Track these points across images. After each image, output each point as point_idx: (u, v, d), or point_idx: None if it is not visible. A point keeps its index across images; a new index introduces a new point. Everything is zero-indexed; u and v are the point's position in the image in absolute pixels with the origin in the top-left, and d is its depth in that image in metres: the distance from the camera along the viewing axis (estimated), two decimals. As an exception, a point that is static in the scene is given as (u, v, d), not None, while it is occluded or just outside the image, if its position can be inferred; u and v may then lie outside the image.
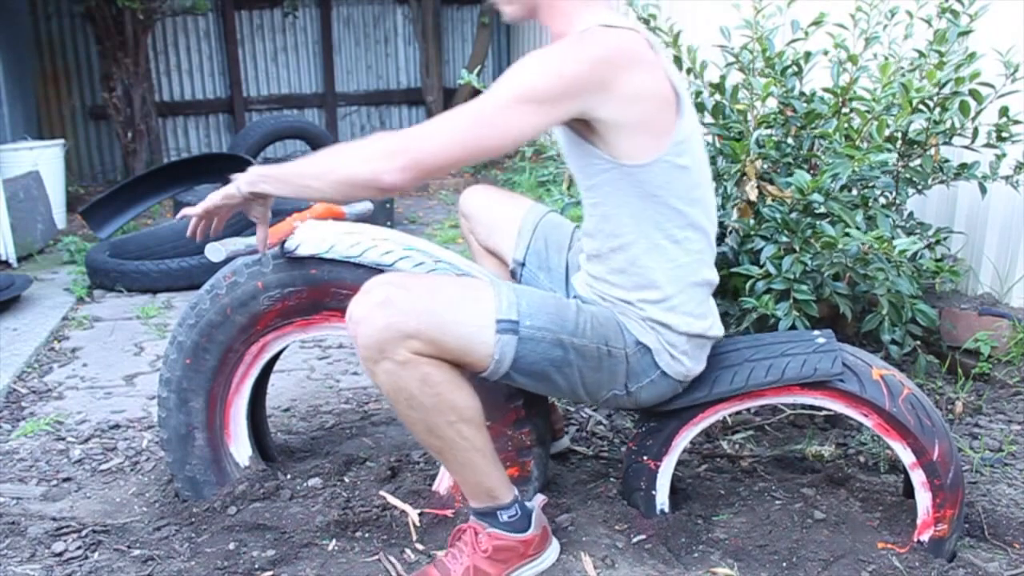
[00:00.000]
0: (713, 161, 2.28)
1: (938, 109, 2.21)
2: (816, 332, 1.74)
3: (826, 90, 2.18)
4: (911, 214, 2.54)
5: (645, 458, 1.76)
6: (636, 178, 1.50)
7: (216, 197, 1.62)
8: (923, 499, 1.66)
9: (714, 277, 1.65)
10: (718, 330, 1.66)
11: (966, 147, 2.28)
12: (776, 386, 1.66)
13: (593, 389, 1.60)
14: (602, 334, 1.57)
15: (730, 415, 2.17)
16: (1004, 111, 2.22)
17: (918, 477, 1.65)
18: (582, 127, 1.50)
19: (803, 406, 2.27)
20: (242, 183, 1.58)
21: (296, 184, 1.50)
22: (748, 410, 2.31)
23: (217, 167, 4.71)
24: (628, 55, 1.44)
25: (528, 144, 4.44)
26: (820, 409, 2.30)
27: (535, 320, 1.51)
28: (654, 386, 1.63)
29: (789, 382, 1.65)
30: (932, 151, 2.26)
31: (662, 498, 1.78)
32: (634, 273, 1.57)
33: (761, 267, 2.04)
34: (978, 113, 2.21)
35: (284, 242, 1.77)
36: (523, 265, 1.94)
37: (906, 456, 1.65)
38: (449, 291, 1.51)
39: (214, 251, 1.64)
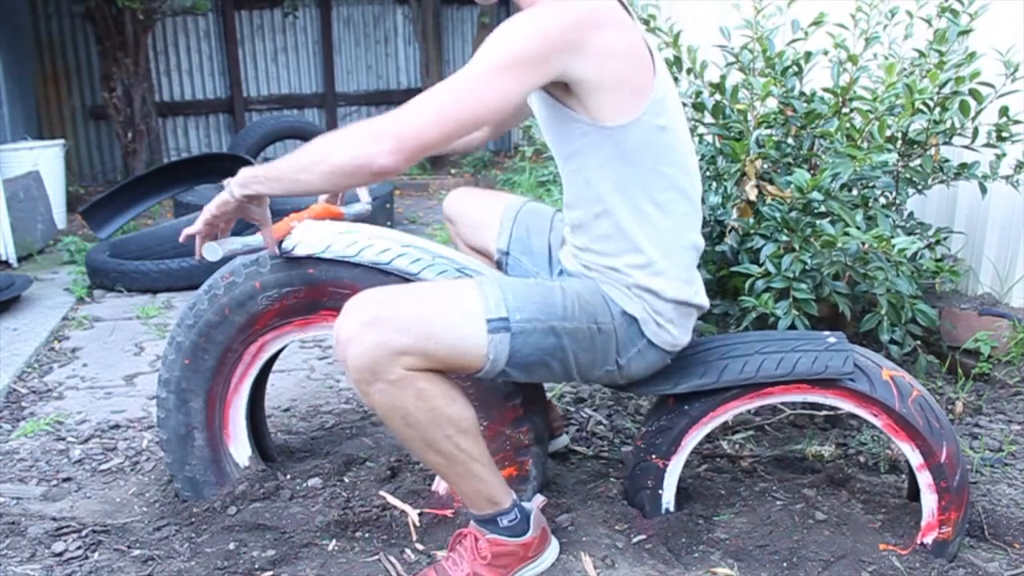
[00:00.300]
0: (713, 161, 2.28)
1: (938, 109, 2.21)
2: (827, 333, 1.74)
3: (826, 90, 2.17)
4: (911, 214, 2.54)
5: (653, 456, 1.76)
6: (616, 139, 1.49)
7: (212, 208, 1.61)
8: (929, 501, 1.65)
9: (699, 241, 1.64)
10: (703, 299, 1.66)
11: (966, 147, 2.28)
12: (786, 380, 1.66)
13: (586, 369, 1.59)
14: (589, 312, 1.56)
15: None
16: (1004, 111, 2.22)
17: (925, 479, 1.65)
18: (561, 92, 1.50)
19: (803, 405, 2.27)
20: (234, 187, 1.57)
21: (288, 180, 1.49)
22: (748, 410, 2.31)
23: (217, 167, 4.71)
24: (599, 14, 1.44)
25: (528, 144, 4.43)
26: (820, 409, 2.29)
27: (524, 312, 1.50)
28: (642, 356, 1.62)
29: (799, 377, 1.65)
30: (932, 151, 2.26)
31: (668, 497, 1.78)
32: (619, 239, 1.56)
33: (761, 266, 2.04)
34: (978, 113, 2.21)
35: (281, 242, 1.77)
36: (507, 254, 1.94)
37: (914, 457, 1.65)
38: (434, 299, 1.50)
39: (211, 251, 1.63)
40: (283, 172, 1.50)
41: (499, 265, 1.96)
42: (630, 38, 1.47)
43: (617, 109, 1.48)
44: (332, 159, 1.43)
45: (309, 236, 1.76)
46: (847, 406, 1.67)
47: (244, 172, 1.56)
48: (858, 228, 1.92)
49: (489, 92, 1.40)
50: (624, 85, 1.47)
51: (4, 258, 4.25)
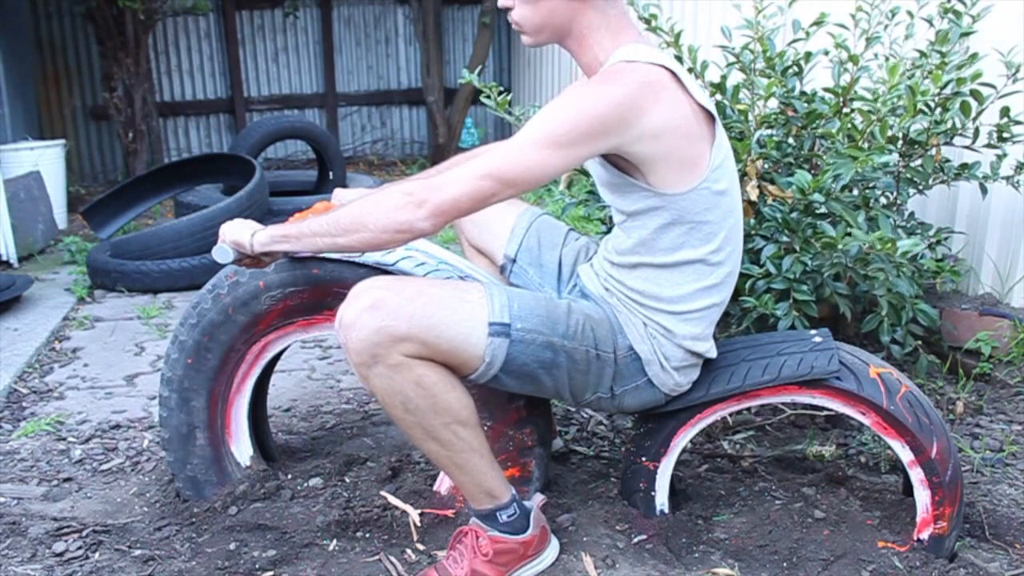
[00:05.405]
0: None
1: (939, 109, 2.21)
2: (813, 331, 1.75)
3: (827, 90, 2.18)
4: (912, 214, 2.54)
5: (643, 459, 1.76)
6: (678, 206, 1.51)
7: (228, 233, 1.61)
8: (922, 497, 1.66)
9: (728, 297, 1.65)
10: (713, 353, 1.67)
11: (967, 147, 2.28)
12: (773, 385, 1.66)
13: (578, 391, 1.61)
14: (593, 337, 1.57)
15: (731, 415, 2.18)
16: (1005, 111, 2.22)
17: (917, 475, 1.65)
18: (619, 160, 1.51)
19: (803, 406, 2.27)
20: (256, 242, 1.58)
21: (321, 244, 1.51)
22: (749, 410, 2.31)
23: (218, 167, 4.72)
24: (647, 92, 1.43)
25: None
26: (821, 409, 2.29)
27: (526, 323, 1.52)
28: (638, 392, 1.63)
29: (786, 381, 1.65)
30: (933, 151, 2.26)
31: (662, 499, 1.78)
32: (660, 284, 1.58)
33: (761, 267, 2.04)
34: (979, 113, 2.21)
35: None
36: (514, 261, 1.94)
37: (904, 454, 1.65)
38: (439, 293, 1.51)
39: (221, 253, 1.63)
40: (316, 234, 1.51)
41: (502, 270, 1.96)
42: (679, 111, 1.46)
43: (675, 179, 1.49)
44: (372, 225, 1.45)
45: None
46: (835, 405, 1.68)
47: (273, 230, 1.57)
48: (860, 229, 1.92)
49: (527, 168, 1.42)
50: (679, 158, 1.48)
51: (5, 258, 4.25)
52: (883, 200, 2.33)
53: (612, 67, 1.48)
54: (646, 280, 1.58)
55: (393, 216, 1.43)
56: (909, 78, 2.09)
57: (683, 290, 1.57)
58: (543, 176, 1.43)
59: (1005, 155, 2.27)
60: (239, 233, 1.61)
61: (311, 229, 1.52)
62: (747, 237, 2.14)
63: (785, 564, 1.68)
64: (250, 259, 1.64)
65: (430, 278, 1.67)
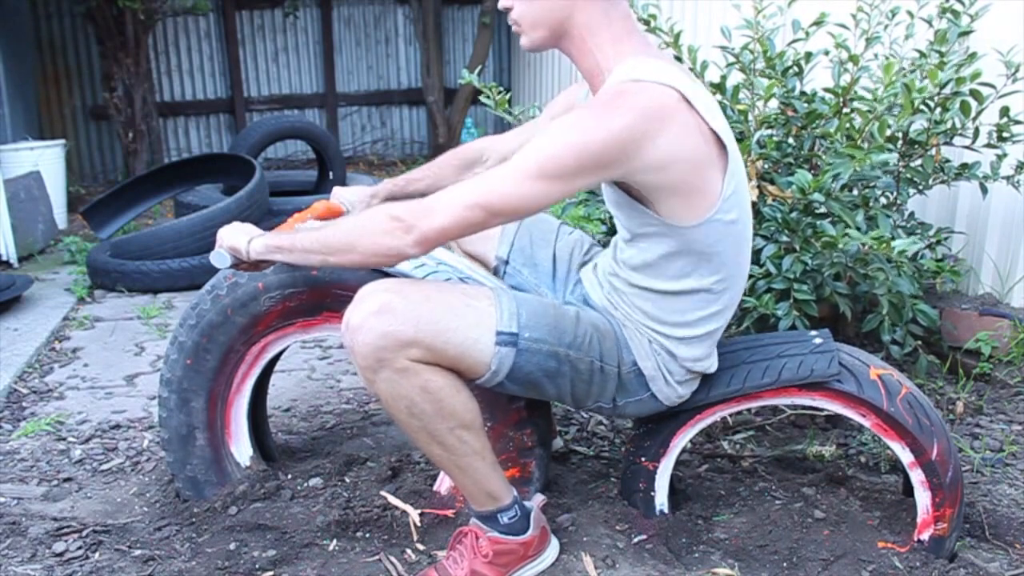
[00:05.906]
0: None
1: (939, 109, 2.21)
2: (813, 332, 1.74)
3: (827, 90, 2.18)
4: (912, 214, 2.54)
5: (643, 460, 1.76)
6: (686, 237, 1.47)
7: (226, 239, 1.61)
8: (922, 498, 1.66)
9: (730, 316, 1.64)
10: (714, 369, 1.67)
11: (967, 147, 2.28)
12: (773, 387, 1.66)
13: (580, 398, 1.61)
14: (598, 349, 1.56)
15: (731, 415, 2.18)
16: (1005, 111, 2.22)
17: (917, 476, 1.65)
18: (626, 185, 1.47)
19: (803, 406, 2.27)
20: (252, 250, 1.58)
21: (312, 260, 1.52)
22: (749, 410, 2.31)
23: (218, 167, 4.72)
24: (653, 120, 1.36)
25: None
26: (821, 409, 2.29)
27: (534, 332, 1.51)
28: (640, 404, 1.64)
29: (786, 383, 1.65)
30: (933, 151, 2.26)
31: (661, 499, 1.78)
32: (663, 309, 1.57)
33: (761, 267, 2.04)
34: (979, 113, 2.21)
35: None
36: (507, 263, 1.92)
37: (905, 456, 1.65)
38: (447, 298, 1.50)
39: (219, 258, 1.63)
40: (308, 249, 1.51)
41: (495, 272, 1.95)
42: (688, 139, 1.39)
43: (684, 210, 1.44)
44: (360, 248, 1.46)
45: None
46: (835, 407, 1.67)
47: (269, 239, 1.58)
48: (858, 229, 1.92)
49: (519, 201, 1.39)
50: (688, 188, 1.42)
51: (5, 258, 4.25)
52: (883, 200, 2.33)
53: (616, 88, 1.40)
54: (648, 302, 1.57)
55: (381, 241, 1.43)
56: (908, 76, 2.09)
57: (686, 317, 1.56)
58: (535, 208, 1.40)
59: (1005, 155, 2.27)
60: (236, 239, 1.61)
61: (303, 245, 1.52)
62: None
63: (785, 564, 1.68)
64: (247, 264, 1.64)
65: (438, 282, 1.67)
